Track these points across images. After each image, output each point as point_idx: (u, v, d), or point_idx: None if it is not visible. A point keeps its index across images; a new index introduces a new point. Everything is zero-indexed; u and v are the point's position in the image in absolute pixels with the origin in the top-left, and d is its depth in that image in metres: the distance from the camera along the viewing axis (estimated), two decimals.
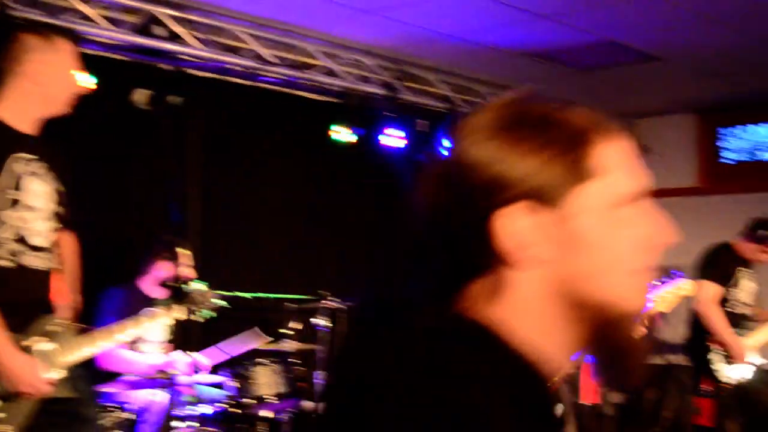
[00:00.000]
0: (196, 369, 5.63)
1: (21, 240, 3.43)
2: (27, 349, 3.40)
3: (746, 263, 6.75)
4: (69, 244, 3.80)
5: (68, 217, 3.68)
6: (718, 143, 9.65)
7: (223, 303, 4.33)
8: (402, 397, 1.10)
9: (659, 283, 4.78)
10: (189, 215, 6.42)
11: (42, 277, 3.53)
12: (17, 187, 3.42)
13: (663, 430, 8.70)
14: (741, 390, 6.55)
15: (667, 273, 4.84)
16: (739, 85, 8.28)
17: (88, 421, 3.62)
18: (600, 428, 7.92)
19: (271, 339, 5.81)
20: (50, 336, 3.48)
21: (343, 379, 1.22)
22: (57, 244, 3.63)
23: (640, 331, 4.14)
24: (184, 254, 5.72)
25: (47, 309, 3.55)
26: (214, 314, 4.19)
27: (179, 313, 3.95)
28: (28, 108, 3.48)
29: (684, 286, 4.85)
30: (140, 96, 3.54)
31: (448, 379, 1.10)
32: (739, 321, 6.67)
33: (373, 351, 1.19)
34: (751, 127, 9.46)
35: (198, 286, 4.04)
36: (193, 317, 3.98)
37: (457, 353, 1.14)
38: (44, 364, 3.41)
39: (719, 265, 6.63)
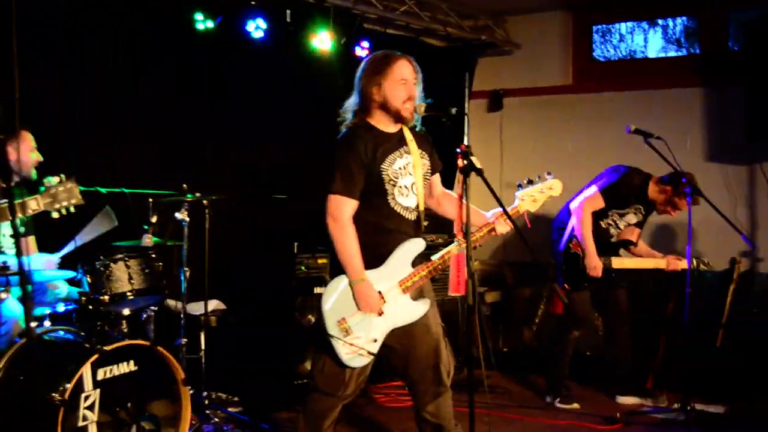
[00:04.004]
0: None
1: None
2: None
3: (646, 204, 6.81)
4: None
5: None
6: (593, 41, 9.64)
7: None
8: None
9: (528, 183, 4.76)
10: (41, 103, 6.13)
11: None
12: None
13: (536, 326, 8.83)
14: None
15: (538, 174, 4.83)
16: None
17: None
18: (476, 326, 7.98)
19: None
20: None
21: None
22: None
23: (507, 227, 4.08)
24: (30, 137, 5.45)
25: None
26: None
27: (43, 207, 3.64)
28: None
29: (553, 186, 4.82)
30: None
31: None
32: (606, 240, 6.77)
33: None
34: (625, 25, 9.48)
35: (63, 180, 3.74)
36: (55, 214, 3.69)
37: None
38: None
39: (621, 191, 6.70)
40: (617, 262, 6.71)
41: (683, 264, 6.66)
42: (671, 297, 7.21)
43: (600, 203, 6.67)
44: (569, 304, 6.70)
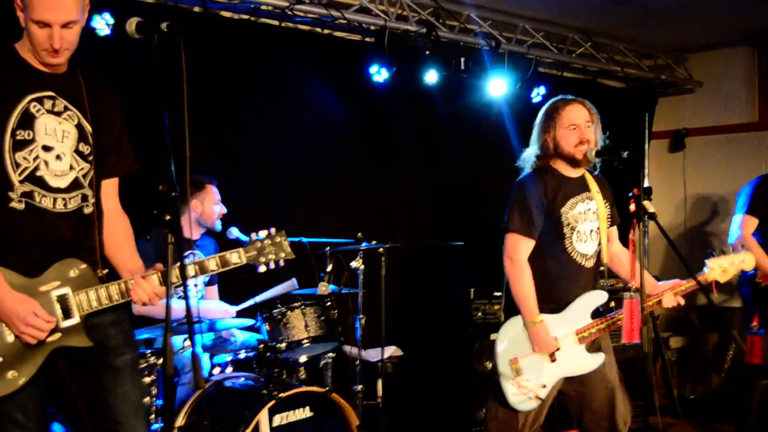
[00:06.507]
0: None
1: (33, 180, 3.30)
2: (40, 294, 3.26)
3: None
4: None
5: (96, 152, 3.49)
6: None
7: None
8: None
9: (720, 253, 4.76)
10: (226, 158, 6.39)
11: (58, 219, 3.36)
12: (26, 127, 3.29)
13: (725, 372, 8.51)
14: None
15: (732, 245, 4.75)
16: None
17: (117, 370, 3.46)
18: (660, 374, 7.76)
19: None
20: (67, 281, 3.33)
21: None
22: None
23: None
24: (214, 191, 5.70)
25: (67, 252, 3.37)
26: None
27: (245, 261, 3.72)
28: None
29: (746, 259, 4.78)
30: (131, 25, 3.29)
31: None
32: None
33: None
34: None
35: (271, 233, 3.80)
36: (263, 268, 3.76)
37: None
38: (56, 309, 3.27)
39: (759, 198, 6.41)
40: None
41: None
42: None
43: (753, 221, 6.37)
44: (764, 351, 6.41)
